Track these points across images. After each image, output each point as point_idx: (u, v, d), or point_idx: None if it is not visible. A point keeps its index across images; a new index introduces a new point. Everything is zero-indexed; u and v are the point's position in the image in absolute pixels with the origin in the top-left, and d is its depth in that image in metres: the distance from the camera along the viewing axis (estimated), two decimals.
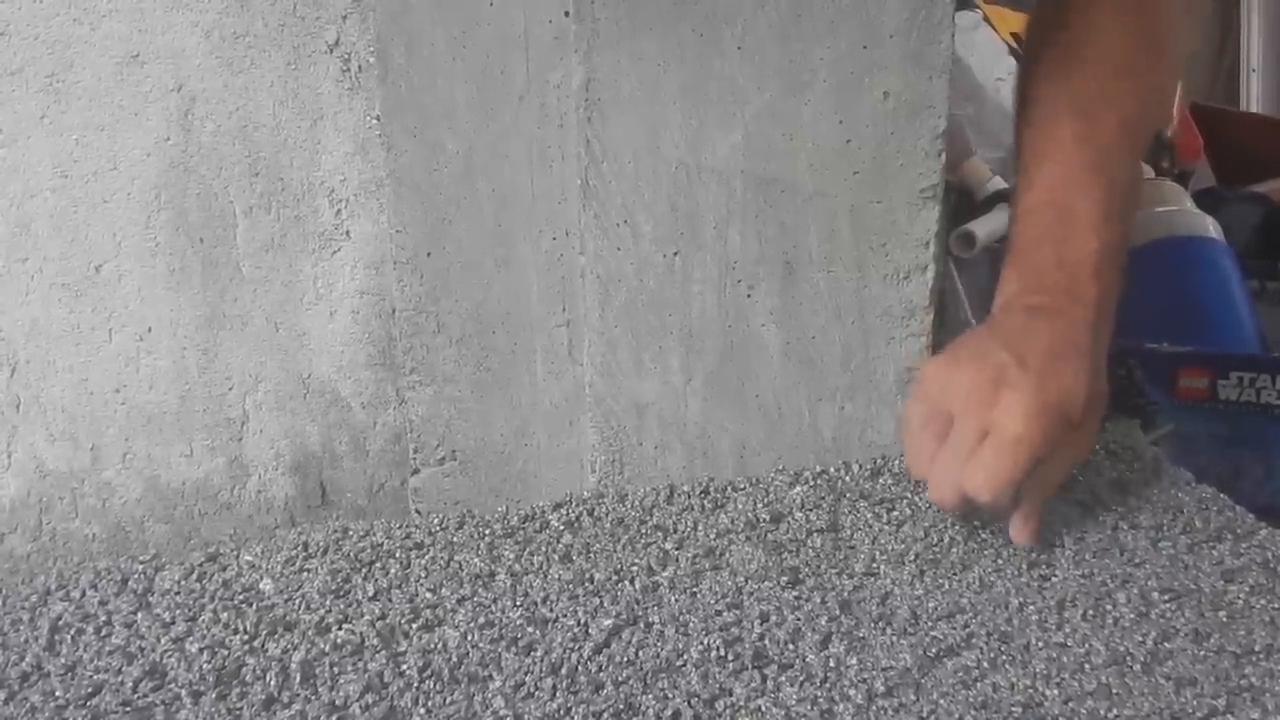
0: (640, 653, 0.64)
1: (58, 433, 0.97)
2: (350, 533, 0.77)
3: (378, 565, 0.73)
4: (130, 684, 0.61)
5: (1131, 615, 0.67)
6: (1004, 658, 0.64)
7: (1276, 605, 0.68)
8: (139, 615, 0.68)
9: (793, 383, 0.84)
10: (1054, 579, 0.72)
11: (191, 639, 0.65)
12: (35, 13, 0.88)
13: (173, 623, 0.67)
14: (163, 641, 0.65)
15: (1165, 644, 0.65)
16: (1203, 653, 0.64)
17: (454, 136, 0.90)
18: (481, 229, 0.92)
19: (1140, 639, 0.65)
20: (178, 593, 0.70)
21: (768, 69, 0.77)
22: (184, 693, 0.60)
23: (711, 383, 0.84)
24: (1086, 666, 0.63)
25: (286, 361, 0.96)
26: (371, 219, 0.93)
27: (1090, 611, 0.68)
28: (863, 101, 0.78)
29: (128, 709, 0.59)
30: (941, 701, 0.60)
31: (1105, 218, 0.79)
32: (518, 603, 0.69)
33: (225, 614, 0.67)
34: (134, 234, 0.93)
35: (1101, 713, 0.59)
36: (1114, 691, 0.61)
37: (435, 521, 0.80)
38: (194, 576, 0.72)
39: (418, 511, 0.96)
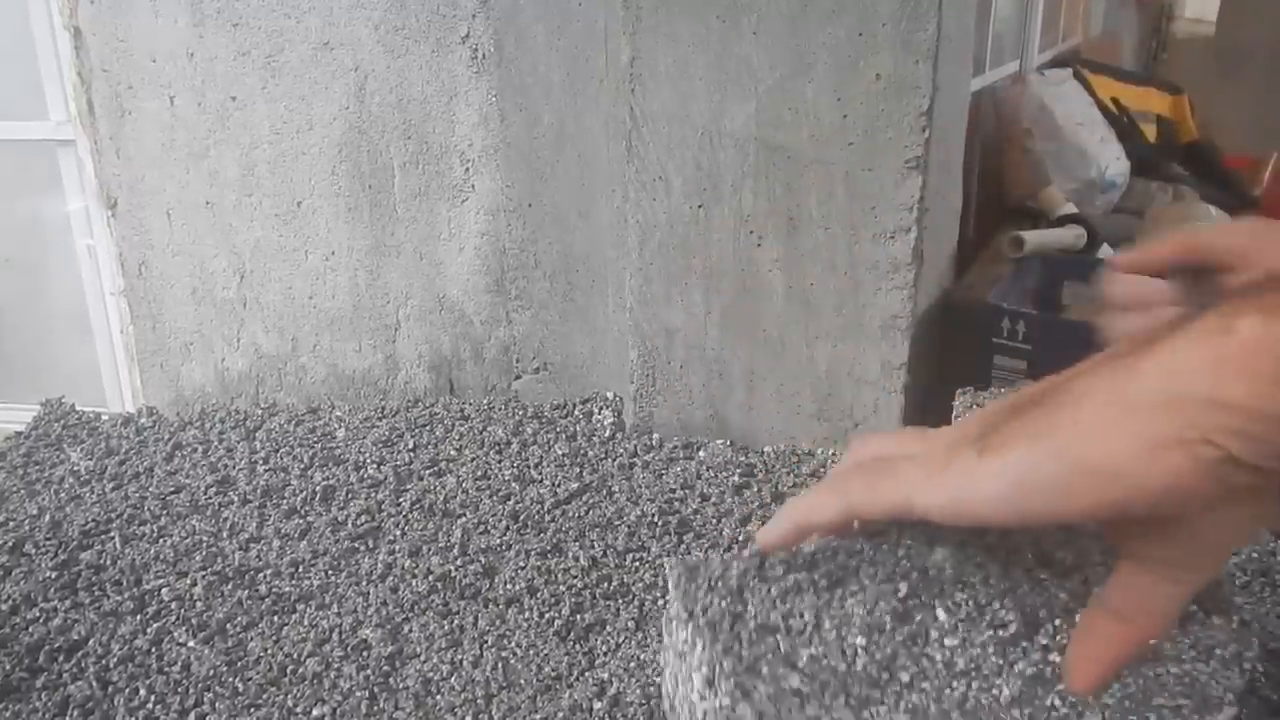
0: (590, 511, 0.59)
1: (270, 325, 1.00)
2: (418, 403, 0.76)
3: (427, 428, 0.71)
4: (203, 488, 0.61)
5: None
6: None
7: None
8: (239, 444, 0.68)
9: (793, 321, 0.76)
10: None
11: (264, 463, 0.65)
12: (258, 8, 0.89)
13: (258, 451, 0.67)
14: (242, 462, 0.65)
15: None
16: None
17: (550, 111, 0.86)
18: (569, 186, 0.88)
19: None
20: (275, 431, 0.70)
21: (778, 51, 0.70)
22: (237, 499, 0.60)
23: (727, 315, 0.77)
24: None
25: (428, 284, 0.95)
26: (490, 176, 0.90)
27: None
28: (858, 81, 0.69)
29: (192, 504, 0.59)
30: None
31: None
32: (515, 464, 0.65)
33: (299, 449, 0.67)
34: (323, 179, 0.94)
35: None
36: None
37: (483, 402, 0.77)
38: (293, 422, 0.72)
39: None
